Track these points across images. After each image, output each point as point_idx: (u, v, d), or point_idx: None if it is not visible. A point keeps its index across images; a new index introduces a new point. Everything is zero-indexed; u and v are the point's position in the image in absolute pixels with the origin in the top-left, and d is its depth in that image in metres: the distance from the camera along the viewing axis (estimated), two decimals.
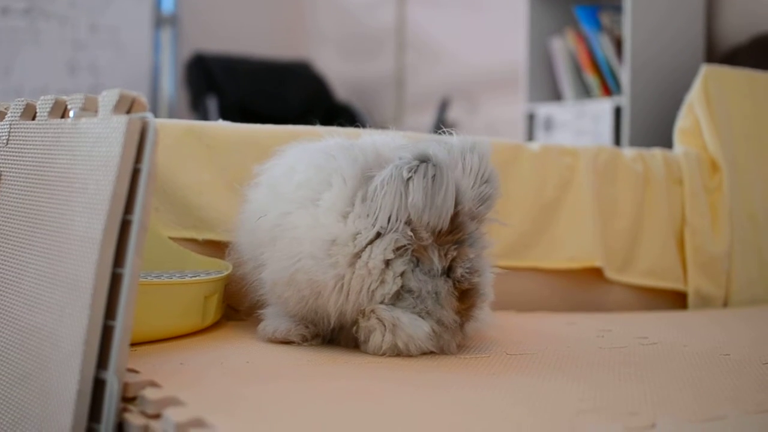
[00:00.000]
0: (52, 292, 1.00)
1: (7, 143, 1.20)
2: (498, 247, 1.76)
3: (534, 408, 0.96)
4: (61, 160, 1.06)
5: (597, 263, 1.89)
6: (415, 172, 1.16)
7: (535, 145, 1.94)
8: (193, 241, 1.58)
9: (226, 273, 1.45)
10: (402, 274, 1.20)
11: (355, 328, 1.24)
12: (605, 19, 3.01)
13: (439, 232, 1.19)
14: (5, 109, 1.26)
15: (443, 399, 1.01)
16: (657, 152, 2.07)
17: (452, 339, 1.24)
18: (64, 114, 1.12)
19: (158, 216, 1.55)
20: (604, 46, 2.99)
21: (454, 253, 1.21)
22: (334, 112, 4.43)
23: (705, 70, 2.16)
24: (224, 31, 4.89)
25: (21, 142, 1.17)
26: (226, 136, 1.62)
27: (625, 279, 1.94)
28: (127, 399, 0.97)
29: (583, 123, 2.99)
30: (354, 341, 1.26)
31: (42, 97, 1.16)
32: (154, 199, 1.53)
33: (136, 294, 0.96)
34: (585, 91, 3.13)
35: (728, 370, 1.22)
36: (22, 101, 1.21)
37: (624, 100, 2.82)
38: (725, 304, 2.03)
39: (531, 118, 3.23)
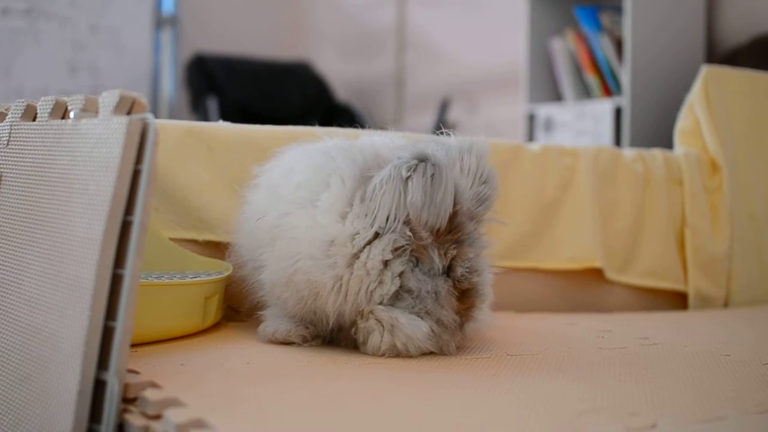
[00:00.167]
0: (53, 293, 1.00)
1: (8, 144, 1.20)
2: (498, 247, 1.76)
3: (534, 408, 0.96)
4: (61, 161, 1.06)
5: (597, 264, 1.89)
6: (414, 171, 1.16)
7: (535, 146, 1.94)
8: (193, 241, 1.58)
9: (226, 274, 1.45)
10: (401, 275, 1.20)
11: (354, 329, 1.24)
12: (605, 19, 3.01)
13: (438, 231, 1.20)
14: (6, 110, 1.26)
15: (443, 399, 1.01)
16: (657, 153, 2.07)
17: (451, 339, 1.24)
18: (64, 115, 1.12)
19: (158, 217, 1.55)
20: (604, 46, 2.99)
21: (454, 252, 1.21)
22: (334, 113, 4.43)
23: (705, 70, 2.16)
24: (224, 31, 4.89)
25: (21, 143, 1.17)
26: (227, 136, 1.62)
27: (626, 279, 1.94)
28: (128, 400, 0.97)
29: (584, 123, 2.99)
30: (353, 342, 1.26)
31: (42, 98, 1.17)
32: (155, 200, 1.53)
33: (137, 295, 0.96)
34: (585, 92, 3.13)
35: (728, 370, 1.22)
36: (23, 102, 1.21)
37: (624, 100, 2.82)
38: (725, 305, 2.03)
39: (531, 118, 3.23)
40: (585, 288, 1.92)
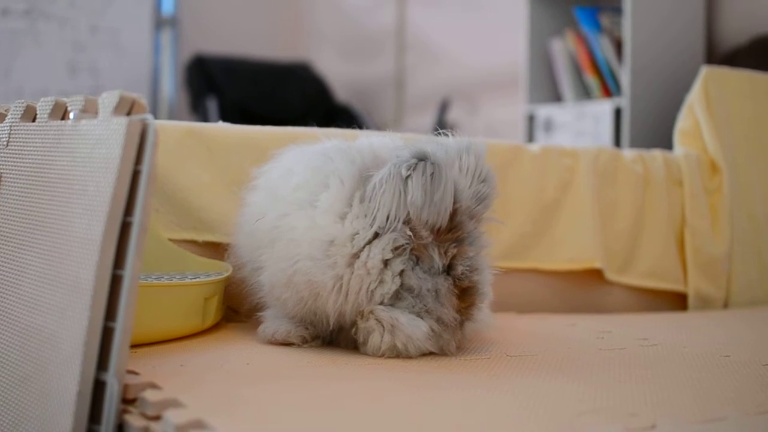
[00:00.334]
0: (53, 294, 1.00)
1: (8, 145, 1.20)
2: (498, 248, 1.76)
3: (534, 409, 0.96)
4: (61, 161, 1.06)
5: (597, 264, 1.89)
6: (413, 170, 1.17)
7: (535, 147, 1.94)
8: (193, 242, 1.58)
9: (226, 275, 1.45)
10: (401, 274, 1.21)
11: (354, 329, 1.24)
12: (605, 20, 3.01)
13: (438, 229, 1.20)
14: (5, 110, 1.26)
15: (443, 400, 1.01)
16: (657, 153, 2.07)
17: (452, 338, 1.24)
18: (64, 116, 1.12)
19: (158, 217, 1.55)
20: (604, 47, 2.99)
21: (454, 251, 1.22)
22: (334, 114, 4.43)
23: (705, 71, 2.16)
24: (224, 32, 4.89)
25: (21, 143, 1.17)
26: (226, 137, 1.62)
27: (626, 280, 1.94)
28: (127, 401, 0.97)
29: (583, 124, 2.99)
30: (353, 343, 1.26)
31: (42, 99, 1.17)
32: (154, 201, 1.53)
33: (136, 296, 0.96)
34: (585, 93, 3.13)
35: (728, 371, 1.22)
36: (23, 103, 1.21)
37: (624, 101, 2.82)
38: (725, 306, 2.03)
39: (531, 119, 3.23)
40: (585, 289, 1.92)
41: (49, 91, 4.24)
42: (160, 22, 4.74)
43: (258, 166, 1.38)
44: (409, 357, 1.22)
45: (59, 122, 1.11)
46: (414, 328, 1.20)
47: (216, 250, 1.57)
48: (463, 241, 1.22)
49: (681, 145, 2.15)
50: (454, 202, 1.20)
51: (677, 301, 2.01)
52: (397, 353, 1.22)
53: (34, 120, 1.18)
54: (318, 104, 4.55)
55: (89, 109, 1.06)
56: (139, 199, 0.96)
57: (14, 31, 4.21)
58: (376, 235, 1.20)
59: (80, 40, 4.40)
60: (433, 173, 1.17)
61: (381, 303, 1.21)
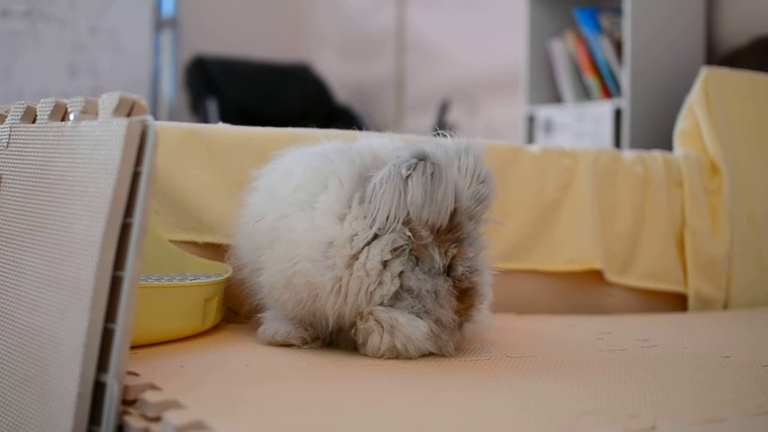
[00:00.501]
0: (53, 295, 1.00)
1: (8, 146, 1.20)
2: (498, 249, 1.76)
3: (534, 410, 0.96)
4: (61, 163, 1.06)
5: (597, 265, 1.89)
6: (413, 170, 1.17)
7: (535, 148, 1.94)
8: (193, 243, 1.58)
9: (226, 276, 1.45)
10: (400, 274, 1.21)
11: (353, 330, 1.24)
12: (605, 21, 3.01)
13: (439, 230, 1.20)
14: (5, 112, 1.26)
15: (443, 401, 1.01)
16: (657, 154, 2.07)
17: (450, 339, 1.24)
18: (64, 117, 1.12)
19: (158, 219, 1.55)
20: (604, 48, 2.99)
21: (454, 252, 1.22)
22: (334, 115, 4.43)
23: (705, 72, 2.16)
24: (224, 33, 4.89)
25: (21, 145, 1.17)
26: (226, 138, 1.62)
27: (625, 281, 1.94)
28: (127, 402, 0.97)
29: (583, 125, 2.99)
30: (353, 344, 1.26)
31: (42, 100, 1.17)
32: (154, 202, 1.53)
33: (136, 297, 0.96)
34: (585, 94, 3.13)
35: (728, 372, 1.22)
36: (23, 104, 1.21)
37: (624, 102, 2.82)
38: (725, 307, 2.03)
39: (531, 120, 3.23)
40: (585, 290, 1.92)
41: (49, 92, 4.24)
42: (160, 23, 4.74)
43: (258, 167, 1.38)
44: (408, 358, 1.22)
45: (59, 123, 1.11)
46: (413, 328, 1.20)
47: (216, 251, 1.57)
48: (462, 241, 1.22)
49: (681, 146, 2.15)
50: (454, 203, 1.20)
51: (677, 302, 2.01)
52: (396, 354, 1.22)
53: (34, 121, 1.18)
54: (318, 105, 4.55)
55: (89, 111, 1.06)
56: (139, 200, 0.96)
57: (14, 32, 4.21)
58: (375, 236, 1.20)
59: (80, 41, 4.40)
60: (433, 173, 1.17)
61: (380, 304, 1.21)
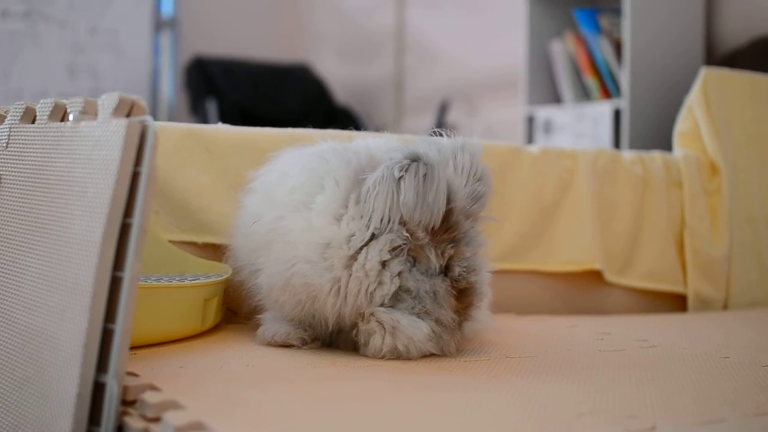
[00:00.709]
0: (52, 296, 1.00)
1: (7, 146, 1.20)
2: (497, 249, 1.76)
3: (534, 411, 0.96)
4: (60, 163, 1.06)
5: (597, 266, 1.89)
6: (406, 171, 1.17)
7: (534, 148, 1.94)
8: (192, 244, 1.58)
9: (225, 276, 1.45)
10: (399, 275, 1.21)
11: (354, 331, 1.24)
12: (604, 21, 3.01)
13: (434, 230, 1.20)
14: (5, 112, 1.26)
15: (443, 402, 1.01)
16: (656, 155, 2.07)
17: (451, 339, 1.24)
18: (63, 117, 1.12)
19: (158, 219, 1.55)
20: (603, 48, 2.99)
21: (451, 252, 1.21)
22: (333, 115, 4.43)
23: (704, 72, 2.16)
24: (224, 34, 4.89)
25: (21, 145, 1.17)
26: (226, 139, 1.62)
27: (625, 282, 1.94)
28: (127, 402, 0.97)
29: (583, 126, 2.99)
30: (353, 344, 1.26)
31: (41, 101, 1.17)
32: (154, 202, 1.53)
33: (136, 297, 0.96)
34: (584, 94, 3.13)
35: (728, 372, 1.22)
36: (22, 104, 1.21)
37: (623, 102, 2.82)
38: (725, 307, 2.03)
39: (530, 120, 3.23)
40: (584, 290, 1.92)
41: (48, 92, 4.24)
42: (159, 24, 4.74)
43: (257, 168, 1.38)
44: (410, 358, 1.22)
45: (59, 124, 1.11)
46: (415, 329, 1.20)
47: (216, 251, 1.57)
48: (459, 241, 1.22)
49: (680, 147, 2.15)
50: (449, 202, 1.19)
51: (677, 303, 2.01)
52: (398, 355, 1.21)
53: (33, 122, 1.18)
54: (317, 106, 4.55)
55: (89, 111, 1.06)
56: (138, 200, 0.96)
57: (14, 32, 4.21)
58: (373, 237, 1.20)
59: (80, 41, 4.40)
60: (425, 174, 1.16)
61: (381, 304, 1.21)
